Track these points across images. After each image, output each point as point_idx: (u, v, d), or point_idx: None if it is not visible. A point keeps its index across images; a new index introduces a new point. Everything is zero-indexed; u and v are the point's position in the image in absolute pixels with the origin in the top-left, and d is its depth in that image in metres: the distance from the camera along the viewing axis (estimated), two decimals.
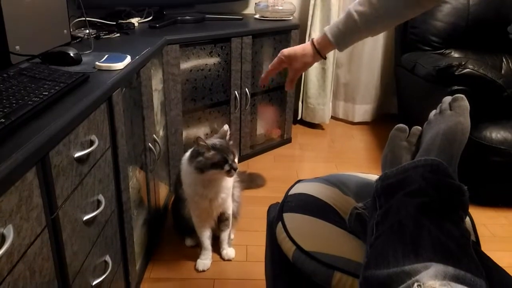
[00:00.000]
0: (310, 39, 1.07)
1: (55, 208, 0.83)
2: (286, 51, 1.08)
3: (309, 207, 1.11)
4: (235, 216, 1.75)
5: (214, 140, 1.47)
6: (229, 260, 1.68)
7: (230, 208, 1.66)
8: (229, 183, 1.58)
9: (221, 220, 1.65)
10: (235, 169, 1.45)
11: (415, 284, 0.59)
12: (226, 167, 1.43)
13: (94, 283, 1.04)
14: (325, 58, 1.08)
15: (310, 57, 1.06)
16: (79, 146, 0.93)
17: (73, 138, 0.89)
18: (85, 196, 0.97)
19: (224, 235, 1.68)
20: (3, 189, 0.65)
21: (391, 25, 1.04)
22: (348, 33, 1.01)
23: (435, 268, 0.62)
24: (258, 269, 1.63)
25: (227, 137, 1.51)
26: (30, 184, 0.73)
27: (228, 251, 1.69)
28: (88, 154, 0.97)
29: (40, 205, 0.77)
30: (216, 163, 1.42)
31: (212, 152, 1.43)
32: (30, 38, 1.23)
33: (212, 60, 2.13)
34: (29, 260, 0.74)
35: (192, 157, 1.48)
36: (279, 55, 1.09)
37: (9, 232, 0.66)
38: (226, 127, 1.53)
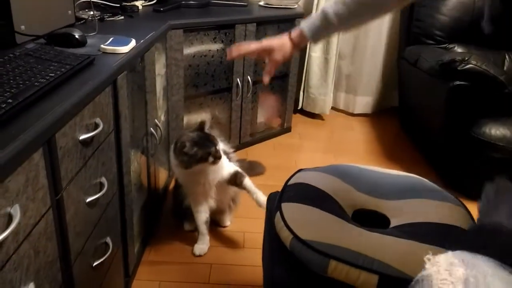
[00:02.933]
0: (288, 33, 1.11)
1: (60, 189, 0.84)
2: (265, 42, 1.10)
3: (307, 197, 1.13)
4: (234, 201, 1.77)
5: (193, 135, 1.48)
6: (264, 207, 1.52)
7: (231, 168, 1.61)
8: (218, 166, 1.56)
9: (233, 179, 1.61)
10: (219, 158, 1.48)
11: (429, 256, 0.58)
12: (210, 159, 1.46)
13: (95, 264, 1.06)
14: (301, 50, 1.10)
15: (287, 48, 1.10)
16: (84, 129, 0.93)
17: (78, 121, 0.90)
18: (88, 178, 0.98)
19: (247, 183, 1.62)
20: (10, 169, 0.66)
21: (365, 23, 1.08)
22: (323, 28, 1.06)
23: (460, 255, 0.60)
24: (254, 256, 1.65)
25: (206, 129, 1.53)
26: (36, 165, 0.74)
27: (262, 196, 1.60)
28: (92, 137, 0.97)
29: (46, 186, 0.78)
30: (199, 158, 1.45)
31: (194, 149, 1.45)
32: (35, 18, 1.22)
33: (215, 46, 2.12)
34: (34, 239, 0.75)
35: (176, 156, 1.50)
36: (258, 42, 1.12)
37: (16, 212, 0.67)
38: (204, 118, 1.56)
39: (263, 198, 1.60)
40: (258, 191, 1.62)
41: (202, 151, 1.45)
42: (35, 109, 0.79)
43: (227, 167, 1.63)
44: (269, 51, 1.11)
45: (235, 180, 1.62)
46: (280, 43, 1.10)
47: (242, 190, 1.68)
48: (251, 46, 1.11)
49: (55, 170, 0.81)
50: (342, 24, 1.05)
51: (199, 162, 1.46)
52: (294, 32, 1.09)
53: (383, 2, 1.01)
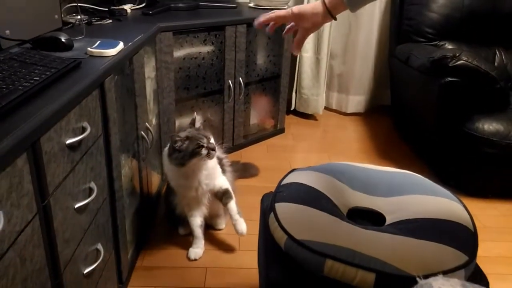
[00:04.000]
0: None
1: (46, 195, 0.82)
2: (295, 8, 1.00)
3: (301, 196, 1.12)
4: None
5: (185, 132, 1.49)
6: (242, 234, 1.60)
7: (223, 183, 1.62)
8: (210, 169, 1.57)
9: (221, 196, 1.62)
10: (213, 149, 1.47)
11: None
12: (204, 151, 1.45)
13: (86, 271, 1.04)
14: (335, 19, 0.99)
15: (320, 16, 0.97)
16: (70, 133, 0.91)
17: (64, 125, 0.88)
18: (77, 184, 0.96)
19: (231, 206, 1.60)
20: None
21: None
22: None
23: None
24: (250, 258, 1.63)
25: (197, 124, 1.53)
26: (20, 170, 0.72)
27: (241, 224, 1.59)
28: (80, 141, 0.95)
29: (31, 192, 0.76)
30: (192, 151, 1.44)
31: (186, 143, 1.45)
32: (20, 23, 1.20)
33: (205, 49, 2.11)
34: (19, 247, 0.73)
35: (170, 155, 1.50)
36: (287, 9, 1.01)
37: (0, 219, 0.65)
38: (194, 114, 1.55)
39: (241, 227, 1.60)
40: (239, 218, 1.61)
41: (194, 143, 1.44)
42: (18, 113, 0.77)
43: (220, 178, 1.63)
44: (300, 17, 1.00)
45: (221, 198, 1.62)
46: (311, 8, 0.98)
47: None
48: (281, 12, 1.02)
49: (40, 176, 0.79)
50: None
51: (193, 156, 1.45)
52: None
53: None
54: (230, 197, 1.62)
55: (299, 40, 1.02)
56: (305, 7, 0.99)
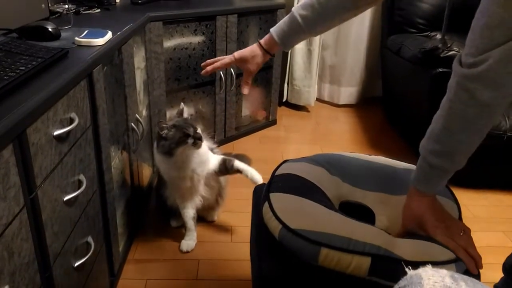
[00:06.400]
0: (257, 41, 1.13)
1: (34, 188, 0.80)
2: (237, 54, 1.14)
3: (295, 187, 1.11)
4: (221, 196, 1.74)
5: (171, 121, 1.49)
6: (257, 183, 1.56)
7: (217, 158, 1.61)
8: (202, 156, 1.55)
9: (223, 168, 1.60)
10: (199, 139, 1.46)
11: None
12: (190, 140, 1.44)
13: (76, 264, 1.02)
14: (273, 55, 1.16)
15: (260, 57, 1.14)
16: (58, 124, 0.89)
17: (51, 115, 0.86)
18: (65, 176, 0.94)
19: (238, 164, 1.60)
20: None
21: (333, 26, 1.11)
22: (293, 34, 1.08)
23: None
24: (243, 250, 1.63)
25: (185, 114, 1.54)
26: (6, 162, 0.70)
27: (256, 174, 1.60)
28: (68, 132, 0.93)
29: (18, 184, 0.74)
30: (178, 140, 1.43)
31: (172, 131, 1.45)
32: (6, 12, 1.17)
33: (196, 39, 2.08)
34: (7, 241, 0.71)
35: (157, 143, 1.50)
36: (231, 56, 1.15)
37: None
38: (181, 105, 1.56)
39: (258, 176, 1.60)
40: (251, 169, 1.61)
41: (180, 132, 1.44)
42: (4, 104, 0.75)
43: (212, 158, 1.61)
44: (242, 61, 1.14)
45: (225, 166, 1.60)
46: (250, 52, 1.13)
47: (234, 175, 1.65)
48: (225, 60, 1.15)
49: (27, 168, 0.77)
50: (310, 28, 1.06)
51: (179, 145, 1.44)
52: (264, 39, 1.12)
53: (350, 5, 1.01)
54: (231, 160, 1.61)
55: (246, 81, 1.17)
56: (244, 52, 1.14)
